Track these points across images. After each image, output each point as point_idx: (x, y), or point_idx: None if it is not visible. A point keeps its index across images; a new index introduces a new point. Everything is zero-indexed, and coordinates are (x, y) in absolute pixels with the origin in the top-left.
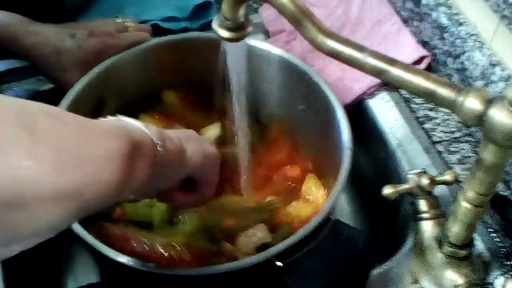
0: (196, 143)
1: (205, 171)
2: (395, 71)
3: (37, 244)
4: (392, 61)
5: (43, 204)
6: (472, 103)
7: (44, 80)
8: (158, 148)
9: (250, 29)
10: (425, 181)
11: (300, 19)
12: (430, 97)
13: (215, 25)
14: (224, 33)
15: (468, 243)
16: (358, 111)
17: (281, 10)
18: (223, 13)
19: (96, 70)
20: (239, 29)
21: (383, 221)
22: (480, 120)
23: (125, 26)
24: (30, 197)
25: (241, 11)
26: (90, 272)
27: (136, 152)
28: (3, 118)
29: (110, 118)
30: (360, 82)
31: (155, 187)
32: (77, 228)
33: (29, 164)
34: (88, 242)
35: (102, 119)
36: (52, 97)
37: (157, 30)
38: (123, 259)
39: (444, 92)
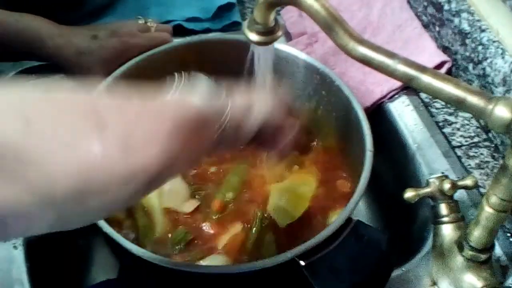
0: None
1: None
2: (425, 78)
3: (58, 238)
4: (423, 68)
5: (115, 186)
6: (502, 111)
7: (69, 78)
8: (222, 119)
9: (279, 33)
10: (446, 185)
11: (331, 25)
12: (459, 104)
13: (245, 28)
14: (254, 37)
15: (489, 247)
16: (378, 115)
17: (314, 16)
18: (255, 17)
19: (119, 71)
20: (269, 34)
21: (401, 224)
22: (509, 128)
23: (147, 26)
24: (102, 183)
25: (272, 16)
26: (109, 268)
27: (196, 127)
28: (73, 115)
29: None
30: (380, 86)
31: (226, 148)
32: (100, 222)
33: (98, 153)
34: (109, 235)
35: (167, 93)
36: None
37: (180, 31)
38: (143, 254)
39: (474, 100)
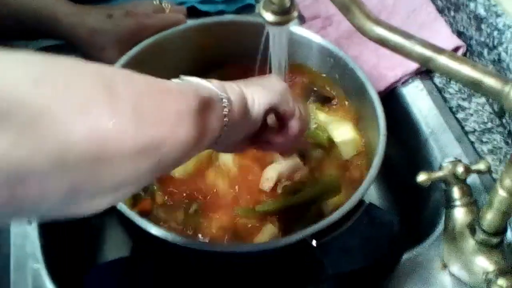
0: (256, 83)
1: (278, 105)
2: (442, 60)
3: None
4: (439, 50)
5: (125, 159)
6: None
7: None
8: (224, 101)
9: (295, 13)
10: (460, 169)
11: (348, 6)
12: (476, 86)
13: (261, 8)
14: (270, 17)
15: (501, 231)
16: (391, 99)
17: None
18: None
19: (133, 51)
20: (285, 14)
21: (412, 208)
22: None
23: (162, 7)
24: (113, 153)
25: None
26: (121, 246)
27: (206, 108)
28: (83, 80)
29: (175, 80)
30: (394, 70)
31: (233, 138)
32: None
33: (111, 122)
34: (122, 212)
35: (169, 81)
36: None
37: (194, 12)
38: (157, 232)
39: (490, 82)
